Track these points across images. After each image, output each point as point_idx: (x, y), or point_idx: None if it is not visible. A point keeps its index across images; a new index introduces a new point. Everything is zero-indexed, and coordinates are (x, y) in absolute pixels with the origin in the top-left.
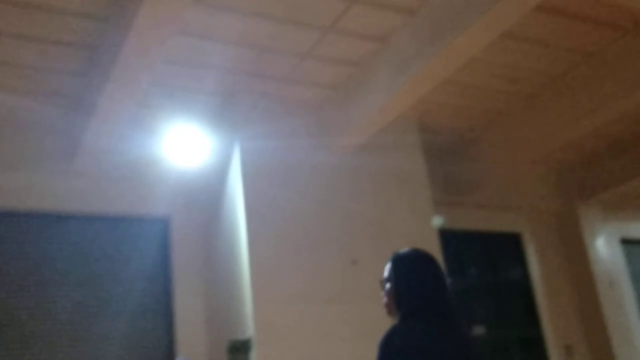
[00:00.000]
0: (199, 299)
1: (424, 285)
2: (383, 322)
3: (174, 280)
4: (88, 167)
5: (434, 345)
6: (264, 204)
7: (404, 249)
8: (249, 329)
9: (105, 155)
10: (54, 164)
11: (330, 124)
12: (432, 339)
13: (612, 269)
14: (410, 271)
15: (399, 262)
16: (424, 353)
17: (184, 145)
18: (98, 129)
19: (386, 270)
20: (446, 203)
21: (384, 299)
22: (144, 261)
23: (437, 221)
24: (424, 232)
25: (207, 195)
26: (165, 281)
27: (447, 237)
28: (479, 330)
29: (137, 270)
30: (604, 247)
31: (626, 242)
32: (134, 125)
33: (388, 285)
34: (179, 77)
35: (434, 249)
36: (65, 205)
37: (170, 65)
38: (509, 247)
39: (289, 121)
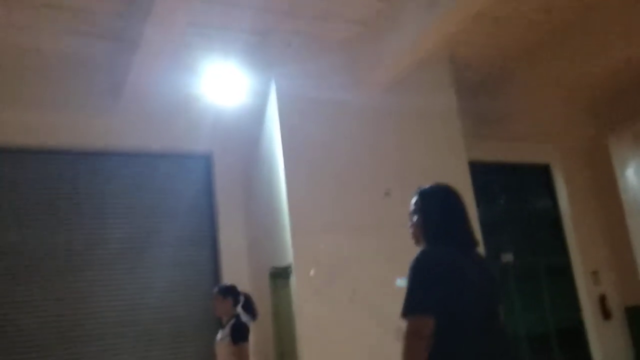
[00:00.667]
0: (241, 230)
1: (446, 217)
2: (412, 250)
3: (217, 213)
4: (133, 106)
5: (459, 264)
6: (299, 139)
7: (429, 184)
8: (288, 257)
9: (148, 93)
10: (101, 102)
11: (362, 61)
12: (457, 260)
13: None
14: (434, 204)
15: (424, 196)
16: (452, 270)
17: (222, 83)
18: (140, 67)
19: (412, 204)
20: (477, 136)
21: (411, 230)
22: (189, 195)
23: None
24: (454, 165)
25: (246, 132)
26: (209, 214)
27: (478, 169)
28: (507, 257)
29: (183, 204)
30: (633, 176)
31: None
32: (174, 64)
33: (415, 217)
34: (216, 16)
35: (465, 181)
36: (113, 142)
37: (208, 4)
38: (538, 178)
39: (322, 59)
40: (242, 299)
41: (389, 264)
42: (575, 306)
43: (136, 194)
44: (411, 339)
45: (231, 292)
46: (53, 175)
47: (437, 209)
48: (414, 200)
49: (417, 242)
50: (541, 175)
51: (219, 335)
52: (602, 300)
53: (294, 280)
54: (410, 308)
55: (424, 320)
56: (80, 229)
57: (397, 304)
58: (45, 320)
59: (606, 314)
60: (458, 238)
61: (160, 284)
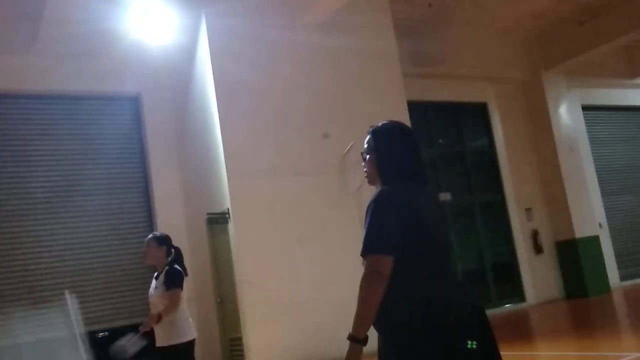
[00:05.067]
0: (175, 175)
1: (402, 154)
2: (351, 192)
3: (148, 157)
4: (52, 44)
5: (416, 202)
6: (233, 80)
7: (382, 122)
8: (225, 202)
9: (68, 30)
10: (17, 40)
11: None
12: (415, 198)
13: (572, 134)
14: (390, 142)
15: (377, 134)
16: (410, 208)
17: (149, 19)
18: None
19: (365, 142)
20: (415, 75)
21: (365, 169)
22: (118, 139)
23: None
24: (393, 105)
25: (175, 72)
26: (140, 158)
27: (416, 108)
28: (445, 196)
29: (112, 149)
30: (566, 113)
31: (587, 109)
32: None
33: (368, 156)
34: None
35: (404, 120)
36: (32, 83)
37: None
38: (475, 116)
39: None
40: (173, 251)
41: (331, 207)
42: (509, 242)
43: (60, 139)
44: (371, 277)
45: (166, 241)
46: None
47: (391, 147)
48: (367, 138)
49: (372, 181)
50: (478, 114)
51: (153, 285)
52: (535, 235)
53: (231, 226)
54: (370, 247)
55: (384, 260)
56: (5, 178)
57: (339, 246)
58: None
59: (538, 248)
60: (413, 175)
61: (90, 232)
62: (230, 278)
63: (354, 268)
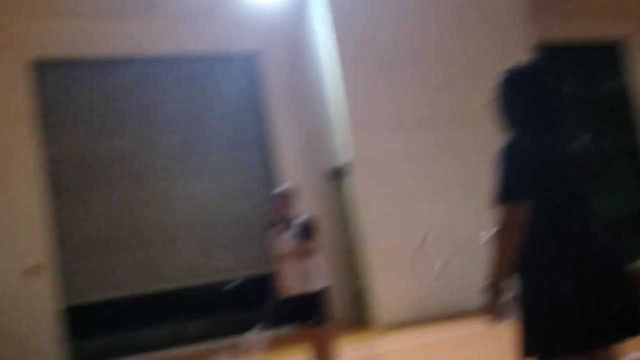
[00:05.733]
0: (296, 130)
1: (533, 99)
2: (475, 144)
3: (269, 114)
4: (170, 8)
5: (549, 146)
6: (353, 34)
7: (513, 65)
8: (346, 155)
9: None
10: (137, 9)
11: None
12: (547, 142)
13: None
14: (520, 87)
15: (507, 79)
16: (542, 153)
17: None
18: None
19: (495, 88)
20: (542, 13)
21: (496, 116)
22: (238, 98)
23: None
24: (517, 48)
25: (293, 29)
26: (261, 115)
27: (545, 51)
28: (581, 141)
29: (232, 107)
30: None
31: None
32: None
33: (498, 103)
34: None
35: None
36: (155, 48)
37: None
38: (607, 57)
39: None
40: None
41: (451, 159)
42: None
43: (182, 100)
44: (505, 227)
45: (293, 194)
46: (101, 85)
47: (522, 92)
48: (496, 84)
49: (503, 129)
50: (611, 55)
51: (285, 237)
52: None
53: (353, 178)
54: (503, 196)
55: (518, 208)
56: (133, 138)
57: (458, 200)
58: (118, 225)
59: None
60: (545, 121)
61: (216, 189)
62: (353, 230)
63: (479, 219)
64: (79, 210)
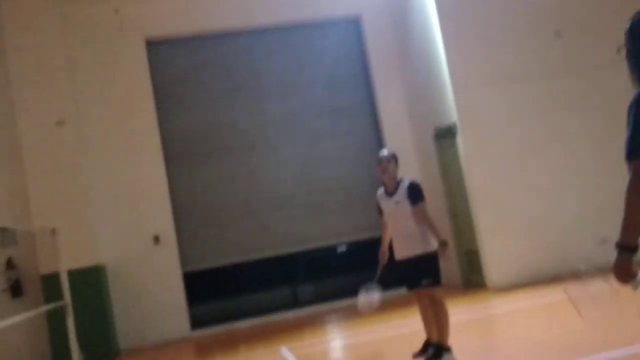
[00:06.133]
0: (400, 93)
1: None
2: (588, 97)
3: (373, 78)
4: None
5: None
6: None
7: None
8: (451, 116)
9: None
10: None
11: None
12: None
13: None
14: None
15: (635, 25)
16: None
17: None
18: None
19: (624, 35)
20: None
21: (629, 66)
22: (343, 62)
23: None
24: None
25: None
26: (364, 79)
27: None
28: None
29: (338, 72)
30: None
31: None
32: None
33: (625, 53)
34: None
35: None
36: (253, 20)
37: None
38: None
39: None
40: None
41: (564, 113)
42: None
43: (290, 68)
44: (636, 185)
45: (394, 158)
46: (209, 59)
47: None
48: (626, 29)
49: (634, 82)
50: None
51: (391, 202)
52: None
53: (459, 139)
54: (635, 151)
55: None
56: (242, 109)
57: (576, 156)
58: (230, 195)
59: None
60: None
61: (324, 155)
62: (462, 191)
63: (594, 177)
64: (193, 182)
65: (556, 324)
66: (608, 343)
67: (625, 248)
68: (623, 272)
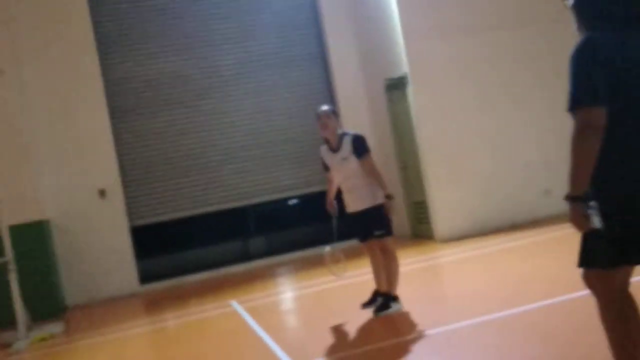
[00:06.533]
0: (351, 43)
1: None
2: (539, 48)
3: (324, 28)
4: None
5: (629, 45)
6: None
7: None
8: (403, 67)
9: None
10: None
11: None
12: (621, 43)
13: None
14: None
15: None
16: (621, 53)
17: None
18: None
19: None
20: None
21: (572, 14)
22: (294, 12)
23: None
24: None
25: None
26: (317, 30)
27: None
28: None
29: (290, 22)
30: None
31: None
32: None
33: (572, 4)
34: None
35: None
36: None
37: None
38: None
39: None
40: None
41: (515, 65)
42: None
43: (240, 17)
44: (583, 131)
45: (334, 113)
46: (153, 8)
47: None
48: None
49: (580, 28)
50: None
51: (338, 157)
52: None
53: (410, 90)
54: (578, 100)
55: (595, 111)
56: (188, 60)
57: (526, 108)
58: (177, 147)
59: None
60: (627, 18)
61: (275, 106)
62: (412, 143)
63: (544, 130)
64: (140, 134)
65: (497, 274)
66: (547, 292)
67: (576, 198)
68: (579, 220)
